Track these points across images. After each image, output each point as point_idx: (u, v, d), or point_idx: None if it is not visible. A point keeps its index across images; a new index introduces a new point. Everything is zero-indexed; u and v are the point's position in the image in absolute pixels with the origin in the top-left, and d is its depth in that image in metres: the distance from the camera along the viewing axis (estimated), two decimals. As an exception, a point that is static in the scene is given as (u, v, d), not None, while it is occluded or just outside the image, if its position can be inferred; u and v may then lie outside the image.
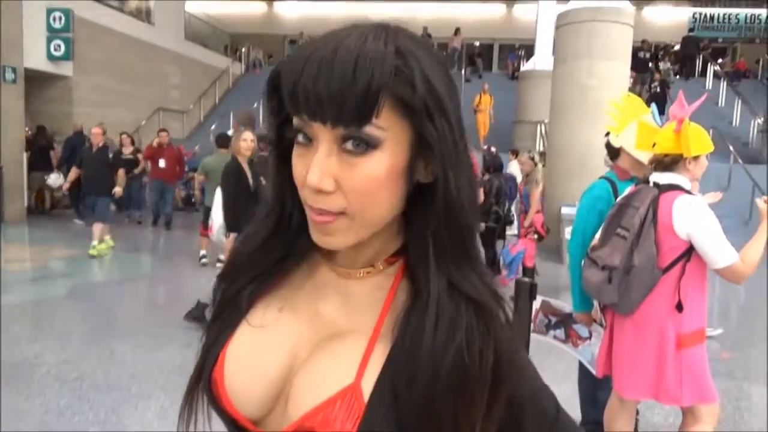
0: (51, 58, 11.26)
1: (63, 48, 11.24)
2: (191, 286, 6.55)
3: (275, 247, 0.65)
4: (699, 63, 19.65)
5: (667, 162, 2.30)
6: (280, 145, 0.62)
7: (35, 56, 10.86)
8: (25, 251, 8.06)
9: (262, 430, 0.62)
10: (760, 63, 19.85)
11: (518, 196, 6.26)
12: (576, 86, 8.37)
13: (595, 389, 2.83)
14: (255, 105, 16.46)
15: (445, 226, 0.57)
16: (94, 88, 12.45)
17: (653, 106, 2.81)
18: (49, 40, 11.18)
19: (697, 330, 2.24)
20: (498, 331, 0.57)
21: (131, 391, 3.40)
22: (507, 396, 0.58)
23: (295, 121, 0.56)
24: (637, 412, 2.96)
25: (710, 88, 17.95)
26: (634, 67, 16.06)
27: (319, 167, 0.54)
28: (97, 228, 7.29)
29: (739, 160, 12.80)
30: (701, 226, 2.16)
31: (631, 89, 14.41)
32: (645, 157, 2.61)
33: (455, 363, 0.55)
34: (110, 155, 7.38)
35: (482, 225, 6.19)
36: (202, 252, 7.12)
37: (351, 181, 0.54)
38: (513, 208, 6.70)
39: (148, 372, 3.69)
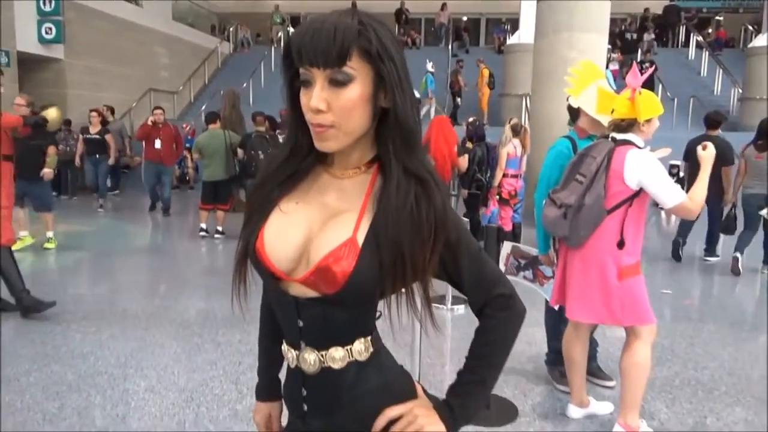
0: (42, 41, 11.41)
1: (54, 31, 11.39)
2: (193, 254, 6.91)
3: (291, 164, 1.01)
4: (682, 33, 19.94)
5: (624, 126, 2.63)
6: (292, 93, 0.97)
7: (27, 40, 11.03)
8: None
9: (291, 278, 0.97)
10: (741, 33, 20.12)
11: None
12: (557, 58, 8.64)
13: (557, 323, 3.21)
14: (244, 84, 16.62)
15: (398, 133, 0.93)
16: (86, 70, 12.62)
17: (607, 71, 3.16)
18: (39, 24, 11.32)
19: (635, 263, 2.61)
20: (434, 196, 0.93)
21: (146, 341, 3.77)
22: (444, 238, 0.94)
23: (301, 70, 0.91)
24: (597, 344, 3.37)
25: (693, 58, 18.30)
26: (621, 48, 16.26)
27: (317, 94, 0.89)
28: (46, 218, 6.48)
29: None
30: (651, 173, 2.51)
31: (619, 71, 14.65)
32: (602, 118, 2.96)
33: (410, 215, 0.91)
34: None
35: (465, 192, 6.55)
36: (202, 225, 7.45)
37: (337, 103, 0.89)
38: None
39: (160, 326, 4.07)
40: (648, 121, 2.61)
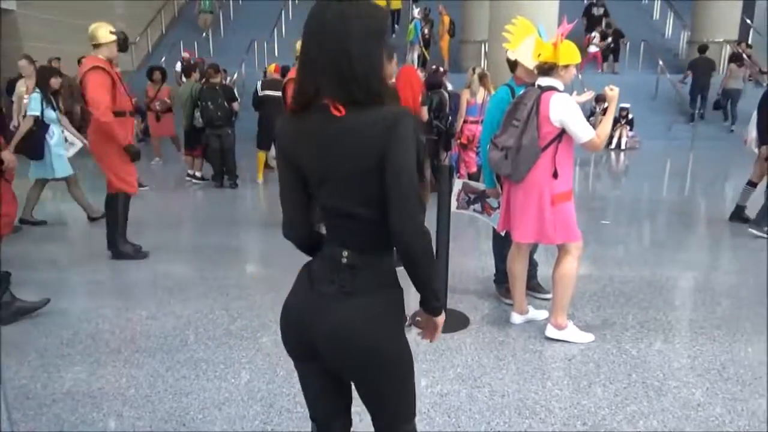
0: (-7, -8, 11.12)
1: (4, -18, 11.09)
2: (172, 201, 7.23)
3: None
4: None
5: (546, 69, 3.10)
6: None
7: (-24, -9, 10.73)
8: None
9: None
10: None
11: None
12: (514, 5, 8.93)
13: (503, 248, 3.73)
14: (204, 34, 16.46)
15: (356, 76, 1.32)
16: (41, 22, 12.35)
17: (540, 26, 3.57)
18: (-12, -26, 10.99)
19: (565, 191, 3.12)
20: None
21: (139, 279, 4.20)
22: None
23: None
24: (537, 264, 3.92)
25: (646, 1, 18.76)
26: (588, 25, 16.38)
27: None
28: None
29: (666, 73, 13.80)
30: (569, 113, 2.99)
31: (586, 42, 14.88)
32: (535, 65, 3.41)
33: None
34: None
35: (424, 138, 6.96)
36: (189, 171, 7.97)
37: None
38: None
39: (147, 267, 4.46)
40: (566, 67, 3.07)
